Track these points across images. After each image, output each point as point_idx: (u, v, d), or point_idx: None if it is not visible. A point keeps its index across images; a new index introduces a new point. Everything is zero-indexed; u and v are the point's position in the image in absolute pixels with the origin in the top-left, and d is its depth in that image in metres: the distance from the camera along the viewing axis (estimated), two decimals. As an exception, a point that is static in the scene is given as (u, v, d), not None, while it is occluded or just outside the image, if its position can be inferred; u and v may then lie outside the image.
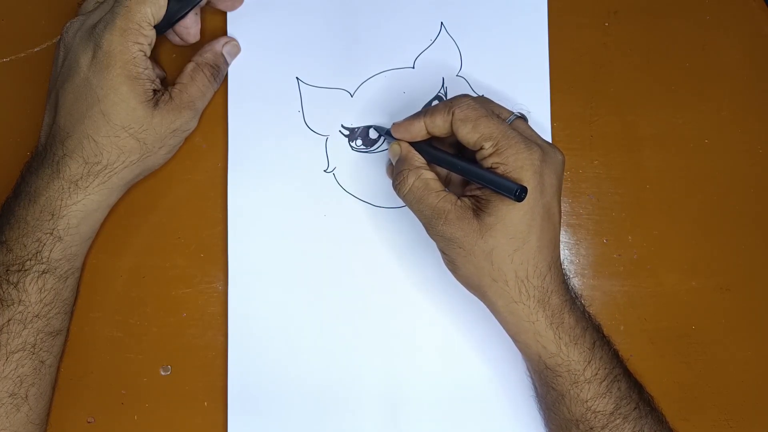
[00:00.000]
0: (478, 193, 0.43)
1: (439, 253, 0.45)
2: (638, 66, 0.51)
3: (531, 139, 0.43)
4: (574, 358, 0.42)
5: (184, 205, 0.50)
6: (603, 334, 0.45)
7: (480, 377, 0.49)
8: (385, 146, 0.50)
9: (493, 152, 0.42)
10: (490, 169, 0.42)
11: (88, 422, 0.49)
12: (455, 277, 0.45)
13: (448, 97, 0.50)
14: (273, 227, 0.49)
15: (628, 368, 0.45)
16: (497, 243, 0.42)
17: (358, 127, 0.50)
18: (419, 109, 0.50)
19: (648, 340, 0.50)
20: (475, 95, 0.50)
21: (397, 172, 0.45)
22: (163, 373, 0.49)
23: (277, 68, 0.50)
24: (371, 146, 0.50)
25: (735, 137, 0.51)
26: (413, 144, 0.46)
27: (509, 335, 0.44)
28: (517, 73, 0.50)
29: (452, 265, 0.44)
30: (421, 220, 0.45)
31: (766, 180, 0.51)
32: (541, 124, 0.50)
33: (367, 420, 0.49)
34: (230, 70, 0.50)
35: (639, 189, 0.51)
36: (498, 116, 0.43)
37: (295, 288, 0.49)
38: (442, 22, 0.50)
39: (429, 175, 0.44)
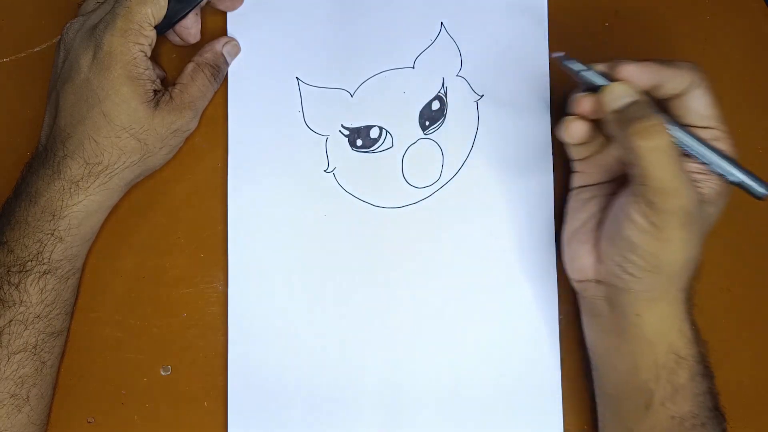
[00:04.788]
0: (700, 177, 0.40)
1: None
2: (638, 66, 0.51)
3: None
4: (700, 350, 0.42)
5: (184, 205, 0.50)
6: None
7: (482, 377, 0.49)
8: (385, 146, 0.50)
9: (720, 137, 0.40)
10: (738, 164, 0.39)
11: (88, 422, 0.49)
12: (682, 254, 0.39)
13: (449, 97, 0.50)
14: (273, 227, 0.49)
15: None
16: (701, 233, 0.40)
17: (359, 127, 0.50)
18: (419, 109, 0.50)
19: (648, 340, 0.50)
20: (477, 96, 0.50)
21: (643, 112, 0.37)
22: (163, 373, 0.49)
23: (277, 68, 0.50)
24: (371, 146, 0.50)
25: (735, 137, 0.51)
26: None
27: (634, 326, 0.41)
28: (517, 73, 0.50)
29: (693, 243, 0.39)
30: (670, 183, 0.37)
31: (766, 180, 0.51)
32: (542, 124, 0.50)
33: (367, 420, 0.49)
34: (230, 70, 0.50)
35: (639, 189, 0.51)
36: None
37: (295, 288, 0.49)
38: (442, 22, 0.50)
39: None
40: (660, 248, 0.39)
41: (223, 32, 0.50)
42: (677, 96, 0.40)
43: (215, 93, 0.49)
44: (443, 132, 0.50)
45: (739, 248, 0.50)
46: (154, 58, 0.49)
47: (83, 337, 0.49)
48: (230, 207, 0.49)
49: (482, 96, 0.50)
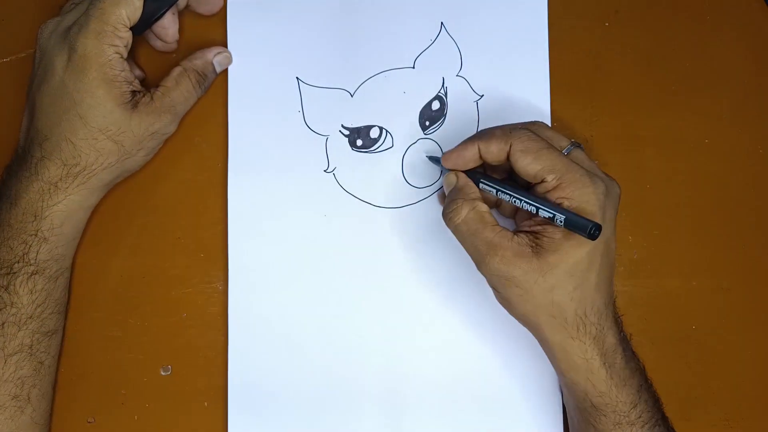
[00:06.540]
0: (538, 228, 0.41)
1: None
2: (638, 66, 0.51)
3: (592, 171, 0.42)
4: (622, 399, 0.42)
5: (184, 205, 0.50)
6: (646, 376, 0.44)
7: (482, 377, 0.49)
8: (385, 146, 0.50)
9: (557, 186, 0.41)
10: (560, 206, 0.40)
11: (88, 422, 0.49)
12: (510, 313, 0.43)
13: (449, 97, 0.50)
14: (273, 227, 0.49)
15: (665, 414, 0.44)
16: (558, 281, 0.40)
17: (359, 127, 0.50)
18: (419, 109, 0.50)
19: (648, 340, 0.50)
20: (477, 96, 0.50)
21: (449, 200, 0.43)
22: (163, 373, 0.49)
23: (277, 68, 0.50)
24: (371, 146, 0.50)
25: (735, 137, 0.51)
26: (469, 174, 0.45)
27: (557, 371, 0.44)
28: (517, 73, 0.50)
29: (507, 302, 0.43)
30: (472, 255, 0.43)
31: (766, 180, 0.51)
32: (541, 124, 0.50)
33: (368, 420, 0.49)
34: (230, 70, 0.50)
35: (639, 189, 0.51)
36: (557, 147, 0.42)
37: (295, 288, 0.49)
38: (442, 22, 0.50)
39: (484, 208, 0.43)
40: None
41: (224, 33, 0.50)
42: (501, 162, 0.43)
43: (198, 100, 0.48)
44: (443, 132, 0.50)
45: (739, 248, 0.50)
46: (135, 59, 0.49)
47: (83, 337, 0.49)
48: (230, 207, 0.49)
49: (482, 96, 0.50)
